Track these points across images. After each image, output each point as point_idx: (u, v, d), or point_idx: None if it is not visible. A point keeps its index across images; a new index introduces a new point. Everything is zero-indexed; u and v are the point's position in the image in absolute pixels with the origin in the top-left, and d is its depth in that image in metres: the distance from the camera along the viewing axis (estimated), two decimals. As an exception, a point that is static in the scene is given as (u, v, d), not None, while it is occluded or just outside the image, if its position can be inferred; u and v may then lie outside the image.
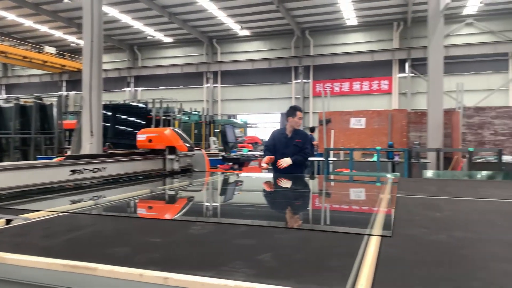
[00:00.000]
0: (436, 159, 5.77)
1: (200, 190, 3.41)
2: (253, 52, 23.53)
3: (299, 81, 22.15)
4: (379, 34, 21.15)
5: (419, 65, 19.67)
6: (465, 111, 7.82)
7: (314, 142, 9.68)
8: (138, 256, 1.28)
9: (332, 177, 5.19)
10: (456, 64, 18.90)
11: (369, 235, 1.61)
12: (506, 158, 6.19)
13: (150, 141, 3.97)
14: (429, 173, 5.43)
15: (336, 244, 1.52)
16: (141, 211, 2.39)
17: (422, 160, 7.31)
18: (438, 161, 5.82)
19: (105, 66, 26.93)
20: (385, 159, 7.26)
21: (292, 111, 4.89)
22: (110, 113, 13.30)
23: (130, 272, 1.11)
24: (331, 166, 8.19)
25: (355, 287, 1.05)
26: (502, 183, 3.95)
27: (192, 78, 24.65)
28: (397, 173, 5.44)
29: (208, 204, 2.74)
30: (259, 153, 8.63)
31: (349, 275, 1.13)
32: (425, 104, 18.76)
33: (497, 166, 5.59)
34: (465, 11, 18.93)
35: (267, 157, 4.71)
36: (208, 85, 24.41)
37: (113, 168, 3.24)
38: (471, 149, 5.71)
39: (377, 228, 1.79)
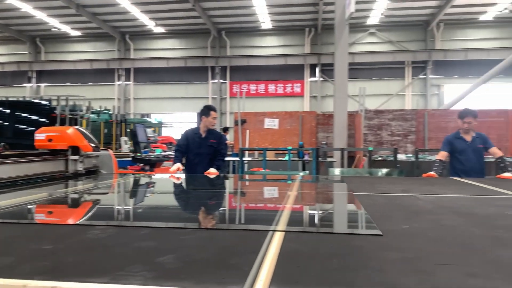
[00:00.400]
0: (341, 158, 6.18)
1: (104, 193, 3.24)
2: (168, 50, 23.01)
3: (216, 81, 22.17)
4: (292, 39, 22.02)
5: (328, 70, 20.89)
6: (367, 114, 8.49)
7: (227, 142, 9.74)
8: (23, 265, 1.16)
9: (247, 176, 5.27)
10: (361, 70, 20.42)
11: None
12: (400, 157, 6.83)
13: (50, 140, 3.66)
14: (336, 171, 5.78)
15: (241, 242, 1.54)
16: (35, 217, 2.19)
17: (329, 159, 7.80)
18: (343, 160, 6.24)
19: (0, 59, 24.41)
20: (296, 158, 7.61)
21: (206, 110, 4.85)
22: (7, 111, 12.07)
23: (11, 284, 1.01)
24: (246, 165, 8.33)
25: (255, 283, 1.07)
26: (396, 179, 4.35)
27: (102, 75, 23.34)
28: (307, 171, 5.70)
29: (111, 207, 2.61)
30: (172, 153, 8.47)
31: (250, 272, 1.14)
32: (333, 106, 19.99)
33: (393, 164, 6.15)
34: (369, 21, 20.53)
35: (175, 168, 4.57)
36: (120, 82, 23.30)
37: (4, 171, 2.93)
38: (370, 148, 6.21)
39: (282, 224, 1.85)
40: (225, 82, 22.24)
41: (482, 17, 19.67)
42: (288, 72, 21.55)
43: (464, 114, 4.69)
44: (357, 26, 20.64)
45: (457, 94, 11.64)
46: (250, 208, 2.54)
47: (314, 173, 5.98)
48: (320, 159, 7.11)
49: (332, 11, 18.91)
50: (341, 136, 7.57)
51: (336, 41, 8.22)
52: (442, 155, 4.68)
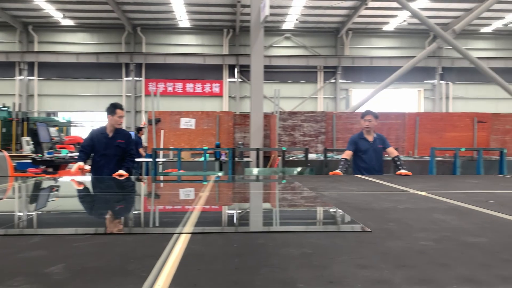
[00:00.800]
0: (256, 158, 6.30)
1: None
2: (78, 44, 21.55)
3: (130, 78, 21.28)
4: (211, 39, 21.97)
5: (247, 71, 21.19)
6: (281, 115, 8.79)
7: (141, 150, 9.35)
8: None
9: (161, 178, 5.12)
10: (277, 73, 21.05)
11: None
12: (311, 156, 7.17)
13: None
14: (252, 171, 5.86)
15: (142, 247, 1.48)
16: None
17: (245, 159, 7.92)
18: (258, 160, 6.38)
19: None
20: (213, 159, 7.60)
21: (112, 108, 4.58)
22: None
23: None
24: (160, 166, 8.10)
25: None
26: (307, 177, 4.54)
27: (1, 69, 21.10)
28: (222, 172, 5.70)
29: None
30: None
31: (147, 277, 1.10)
32: (249, 107, 20.34)
33: (304, 163, 6.43)
34: (284, 26, 21.26)
35: (76, 167, 4.26)
36: (21, 77, 21.26)
37: None
38: (284, 148, 6.43)
39: (189, 226, 1.81)
40: (140, 80, 21.46)
41: (385, 28, 21.44)
42: (207, 72, 21.45)
43: (364, 113, 5.06)
44: (273, 30, 21.24)
45: (362, 98, 12.56)
46: (158, 211, 2.46)
47: (230, 173, 6.02)
48: (236, 159, 7.19)
49: (250, 13, 19.32)
50: (257, 137, 7.73)
51: (251, 43, 8.37)
52: (347, 154, 4.99)
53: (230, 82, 21.71)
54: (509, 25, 20.31)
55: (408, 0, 13.57)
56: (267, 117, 8.70)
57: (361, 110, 11.03)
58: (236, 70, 21.45)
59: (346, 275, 1.18)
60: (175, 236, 1.60)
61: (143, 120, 18.35)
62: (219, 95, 21.62)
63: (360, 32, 21.90)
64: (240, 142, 8.98)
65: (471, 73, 20.86)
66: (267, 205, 2.88)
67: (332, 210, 2.39)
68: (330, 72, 21.84)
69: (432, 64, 20.70)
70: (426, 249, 1.49)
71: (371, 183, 3.85)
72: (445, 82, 21.61)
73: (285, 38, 21.96)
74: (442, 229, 1.83)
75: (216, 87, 21.70)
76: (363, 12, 18.86)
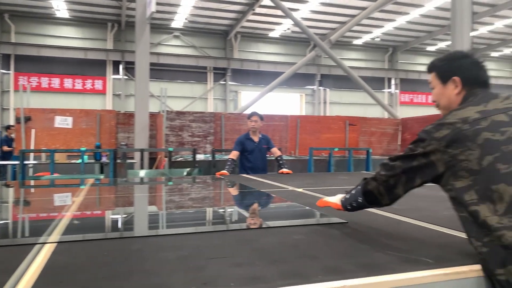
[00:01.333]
0: (141, 159, 6.04)
1: None
2: None
3: (-5, 71, 18.71)
4: (94, 32, 20.48)
5: (133, 68, 20.26)
6: (168, 115, 8.58)
7: (5, 147, 8.27)
8: None
9: (31, 182, 4.58)
10: (166, 71, 20.56)
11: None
12: (199, 157, 7.14)
13: None
14: (136, 173, 5.61)
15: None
16: None
17: (129, 160, 7.53)
18: (143, 161, 6.12)
19: None
20: (93, 161, 7.05)
21: None
22: None
23: None
24: (31, 170, 7.25)
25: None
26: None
27: None
28: (103, 174, 5.36)
29: None
30: None
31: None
32: (134, 106, 19.48)
33: (192, 163, 6.38)
34: (173, 24, 20.84)
35: None
36: None
37: None
38: (171, 149, 6.29)
39: (55, 235, 1.65)
40: (9, 73, 19.02)
41: (271, 34, 22.45)
42: (89, 67, 19.93)
43: (251, 115, 5.24)
44: (162, 27, 20.68)
45: (250, 100, 12.98)
46: (20, 220, 2.19)
47: (112, 176, 5.67)
48: (119, 160, 6.79)
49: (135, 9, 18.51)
50: (142, 137, 7.41)
51: (137, 39, 8.01)
52: (234, 155, 5.10)
53: (114, 79, 20.51)
54: (376, 39, 22.95)
55: (291, 9, 14.42)
56: (154, 116, 8.40)
57: (249, 111, 11.41)
58: (121, 67, 20.35)
59: (221, 275, 1.19)
60: (37, 247, 1.44)
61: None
62: (102, 93, 20.27)
63: (248, 36, 22.58)
64: (123, 143, 8.49)
65: (345, 81, 23.05)
66: (147, 209, 2.78)
67: (221, 210, 2.40)
68: (220, 73, 22.09)
69: (312, 71, 22.31)
70: (298, 243, 1.58)
71: (256, 182, 3.98)
72: (323, 88, 23.48)
73: (174, 36, 21.55)
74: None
75: (98, 84, 20.30)
76: (251, 17, 19.48)
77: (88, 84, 20.08)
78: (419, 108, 23.78)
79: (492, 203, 1.27)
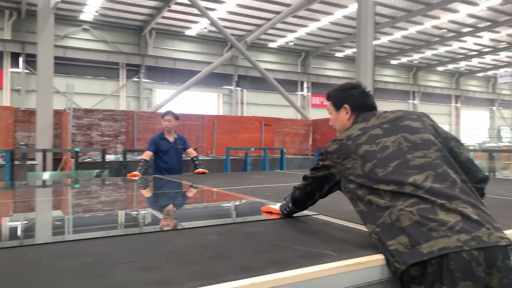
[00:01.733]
0: (43, 160, 5.54)
1: None
2: None
3: None
4: (-13, 20, 18.39)
5: (34, 62, 18.58)
6: (75, 113, 7.99)
7: None
8: None
9: None
10: (74, 66, 19.17)
11: None
12: (109, 157, 6.77)
13: None
14: (38, 175, 5.15)
15: None
16: None
17: (30, 162, 6.86)
18: (45, 162, 5.63)
19: None
20: (-14, 162, 6.30)
21: None
22: None
23: None
24: None
25: None
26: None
27: None
28: (-2, 178, 4.84)
29: None
30: None
31: None
32: (36, 103, 17.91)
33: (102, 164, 6.03)
34: (82, 17, 19.52)
35: None
36: None
37: None
38: (77, 149, 5.87)
39: None
40: None
41: (187, 32, 22.14)
42: (-19, 58, 17.84)
43: (165, 114, 5.09)
44: (69, 19, 19.25)
45: (164, 98, 12.64)
46: None
47: (8, 179, 5.12)
48: (18, 162, 6.13)
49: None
50: (45, 136, 6.77)
51: (39, 30, 7.34)
52: (147, 155, 4.92)
53: (13, 72, 18.62)
54: (290, 43, 23.86)
55: (208, 9, 14.35)
56: (58, 114, 7.74)
57: (163, 110, 11.10)
58: (21, 59, 18.54)
59: (127, 280, 1.14)
60: None
61: None
62: (-1, 87, 18.29)
63: (163, 33, 22.02)
64: (23, 143, 7.69)
65: (261, 82, 23.57)
66: (50, 214, 2.56)
67: (133, 213, 2.30)
68: (133, 70, 21.22)
69: (229, 72, 22.47)
70: (212, 243, 1.57)
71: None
72: (241, 88, 23.80)
73: (83, 29, 20.20)
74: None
75: (-6, 77, 18.27)
76: (167, 14, 19.01)
77: (-19, 77, 17.97)
78: (329, 110, 25.20)
79: (379, 196, 1.50)
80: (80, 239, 1.65)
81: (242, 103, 23.87)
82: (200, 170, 4.88)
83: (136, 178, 4.36)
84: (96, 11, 18.90)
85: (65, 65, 18.25)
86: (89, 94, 19.18)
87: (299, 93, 24.95)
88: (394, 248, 1.36)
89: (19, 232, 2.01)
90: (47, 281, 1.13)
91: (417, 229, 1.35)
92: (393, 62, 27.83)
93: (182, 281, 1.13)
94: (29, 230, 2.07)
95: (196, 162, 5.11)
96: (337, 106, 1.93)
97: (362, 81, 10.71)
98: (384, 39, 22.19)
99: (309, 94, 25.39)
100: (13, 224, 2.21)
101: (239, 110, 23.68)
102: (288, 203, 1.97)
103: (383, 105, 24.91)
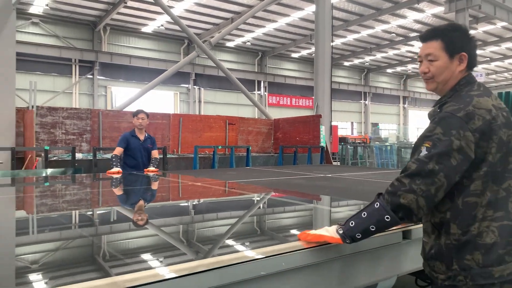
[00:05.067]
0: (12, 159, 5.42)
1: None
2: None
3: None
4: None
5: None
6: (39, 111, 7.78)
7: None
8: None
9: None
10: (23, 61, 18.25)
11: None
12: (77, 156, 6.69)
13: None
14: (8, 173, 5.07)
15: None
16: None
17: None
18: (14, 161, 5.51)
19: None
20: None
21: None
22: None
23: None
24: None
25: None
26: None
27: None
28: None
29: None
30: None
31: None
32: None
33: (70, 163, 5.97)
34: (32, 10, 18.67)
35: None
36: None
37: None
38: (47, 147, 5.78)
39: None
40: None
41: (143, 29, 21.80)
42: None
43: (137, 112, 5.12)
44: (18, 12, 18.32)
45: (128, 97, 12.47)
46: None
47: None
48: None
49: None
50: (8, 135, 6.57)
51: (-1, 26, 7.06)
52: (118, 151, 4.95)
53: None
54: (247, 43, 24.18)
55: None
56: (20, 112, 7.49)
57: (128, 109, 10.97)
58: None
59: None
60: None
61: None
62: None
63: (118, 30, 21.53)
64: (-15, 141, 7.36)
65: (218, 81, 23.75)
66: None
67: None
68: (87, 67, 20.58)
69: (187, 70, 22.38)
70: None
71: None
72: (198, 87, 23.80)
73: (32, 23, 19.30)
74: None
75: None
76: (122, 10, 18.63)
77: None
78: (285, 110, 25.84)
79: (492, 193, 1.32)
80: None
81: (199, 101, 23.88)
82: (150, 169, 4.90)
83: (119, 175, 4.43)
84: (47, 4, 18.14)
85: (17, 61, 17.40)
86: (40, 91, 18.36)
87: (256, 92, 25.33)
88: (467, 264, 1.32)
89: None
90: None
91: (495, 251, 1.30)
92: (346, 63, 28.98)
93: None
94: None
95: (152, 163, 5.08)
96: (453, 50, 1.42)
97: (320, 81, 11.22)
98: (337, 41, 23.09)
99: (266, 93, 25.86)
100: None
101: (196, 109, 23.66)
102: (375, 218, 1.36)
103: (337, 105, 25.96)
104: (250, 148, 8.57)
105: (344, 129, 27.69)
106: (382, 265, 1.76)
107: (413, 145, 1.41)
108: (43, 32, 19.70)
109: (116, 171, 4.57)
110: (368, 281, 1.69)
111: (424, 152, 1.31)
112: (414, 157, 1.34)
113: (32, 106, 8.08)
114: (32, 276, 1.19)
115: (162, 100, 22.19)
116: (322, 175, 4.52)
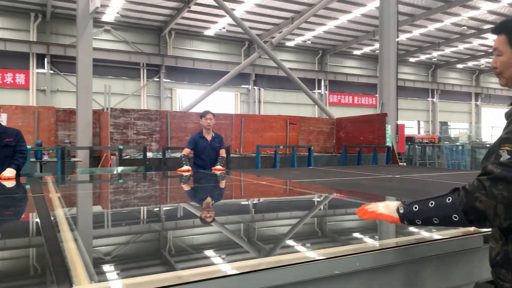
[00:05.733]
0: (89, 157, 5.87)
1: None
2: None
3: None
4: (14, 22, 18.96)
5: (59, 63, 19.16)
6: (113, 112, 8.34)
7: None
8: None
9: None
10: (97, 66, 19.53)
11: None
12: (148, 155, 7.08)
13: None
14: (85, 171, 5.47)
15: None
16: None
17: (73, 159, 7.22)
18: (91, 159, 5.96)
19: None
20: (33, 159, 6.65)
21: None
22: None
23: None
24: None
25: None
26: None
27: None
28: (49, 173, 5.16)
29: None
30: None
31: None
32: (66, 102, 18.42)
33: (141, 161, 6.33)
34: (104, 18, 20.01)
35: None
36: None
37: None
38: (121, 147, 6.18)
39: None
40: None
41: (206, 32, 22.47)
42: (8, 59, 18.41)
43: (204, 113, 5.32)
44: (93, 20, 19.74)
45: (193, 98, 12.96)
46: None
47: (59, 174, 5.45)
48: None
49: (64, 0, 17.47)
50: (86, 135, 7.14)
51: (78, 34, 7.68)
52: (186, 152, 5.19)
53: (39, 73, 19.19)
54: (307, 42, 24.00)
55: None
56: (96, 113, 8.10)
57: (194, 110, 11.40)
58: (46, 60, 19.09)
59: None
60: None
61: None
62: (25, 87, 18.87)
63: (183, 34, 22.38)
64: (67, 141, 8.06)
65: (278, 81, 23.83)
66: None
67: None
68: (154, 70, 21.64)
69: (248, 71, 22.72)
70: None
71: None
72: (258, 87, 24.05)
73: (104, 30, 20.68)
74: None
75: (20, 78, 18.85)
76: (186, 14, 19.34)
77: (9, 78, 18.60)
78: (346, 109, 25.31)
79: None
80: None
81: (259, 101, 24.11)
82: (218, 168, 4.99)
83: (188, 173, 4.62)
84: (117, 12, 19.34)
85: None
86: (111, 94, 19.62)
87: (316, 91, 25.07)
88: None
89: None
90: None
91: None
92: (412, 59, 27.73)
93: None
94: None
95: (219, 161, 5.21)
96: None
97: (385, 78, 10.84)
98: (402, 37, 22.16)
99: (326, 92, 25.50)
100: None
101: (256, 109, 23.92)
102: (442, 211, 1.31)
103: (403, 103, 24.92)
104: (312, 148, 8.51)
105: (410, 128, 26.53)
106: (458, 269, 1.68)
107: (488, 147, 1.29)
108: (114, 38, 21.01)
109: (185, 169, 4.76)
110: (442, 286, 1.62)
111: (506, 156, 1.21)
112: (492, 160, 1.25)
113: (107, 108, 8.67)
114: (106, 267, 1.27)
115: (223, 101, 22.68)
116: (390, 176, 4.38)
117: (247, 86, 23.83)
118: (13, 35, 18.81)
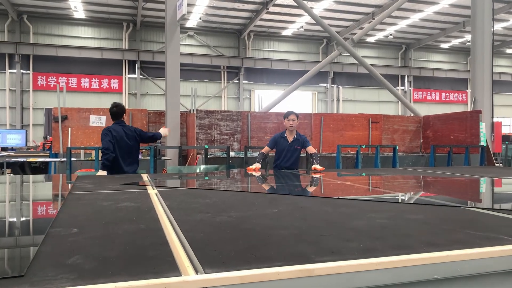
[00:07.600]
0: (178, 156, 6.27)
1: None
2: None
3: (15, 71, 19.07)
4: (109, 32, 20.80)
5: (148, 68, 20.61)
6: (198, 113, 8.79)
7: None
8: None
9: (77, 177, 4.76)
10: (181, 70, 20.78)
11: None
12: (230, 154, 7.34)
13: None
14: (176, 169, 5.80)
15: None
16: None
17: (164, 158, 7.76)
18: (181, 158, 6.35)
19: None
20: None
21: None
22: None
23: None
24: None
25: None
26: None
27: None
28: (143, 170, 5.56)
29: None
30: None
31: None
32: (154, 105, 19.70)
33: (225, 160, 6.57)
34: (188, 24, 21.09)
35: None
36: None
37: None
38: (206, 146, 6.49)
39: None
40: (28, 73, 19.38)
41: (284, 32, 22.62)
42: (104, 66, 20.24)
43: (287, 113, 5.35)
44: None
45: (271, 99, 13.15)
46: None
47: (152, 172, 5.88)
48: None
49: (152, 9, 18.73)
50: (175, 135, 7.63)
51: (167, 40, 8.21)
52: (266, 150, 5.29)
53: (130, 78, 20.82)
54: (389, 37, 23.01)
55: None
56: (183, 115, 8.61)
57: (273, 110, 11.57)
58: (136, 66, 20.65)
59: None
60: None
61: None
62: (118, 92, 20.59)
63: (261, 35, 22.76)
64: (159, 140, 8.70)
65: (357, 78, 23.18)
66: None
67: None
68: (233, 72, 22.30)
69: (325, 69, 22.43)
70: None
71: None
72: (336, 85, 23.61)
73: (188, 36, 21.79)
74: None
75: (114, 83, 20.61)
76: (264, 16, 19.65)
77: (105, 83, 20.40)
78: (432, 106, 23.82)
79: None
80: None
81: (338, 100, 23.66)
82: (316, 167, 4.90)
83: (256, 171, 4.63)
84: (200, 18, 20.25)
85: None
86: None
87: (399, 87, 23.95)
88: None
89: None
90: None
91: None
92: (509, 51, 25.25)
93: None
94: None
95: (313, 158, 5.17)
96: None
97: (478, 72, 9.95)
98: (498, 26, 20.27)
99: (410, 88, 24.23)
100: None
101: (334, 107, 23.50)
102: None
103: (499, 99, 22.78)
104: (398, 148, 8.14)
105: (508, 126, 24.15)
106: None
107: None
108: (197, 43, 22.03)
109: (253, 168, 4.75)
110: None
111: None
112: None
113: (193, 110, 9.14)
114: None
115: (300, 100, 22.62)
116: (487, 177, 4.04)
117: (324, 85, 23.52)
118: (108, 43, 20.62)
